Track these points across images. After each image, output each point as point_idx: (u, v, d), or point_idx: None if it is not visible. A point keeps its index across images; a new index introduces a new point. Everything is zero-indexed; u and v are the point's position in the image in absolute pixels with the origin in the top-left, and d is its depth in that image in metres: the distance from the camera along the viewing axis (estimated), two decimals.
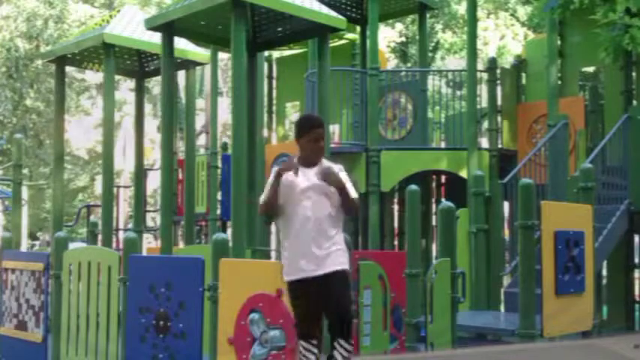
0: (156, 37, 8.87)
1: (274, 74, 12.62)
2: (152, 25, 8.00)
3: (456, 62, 22.31)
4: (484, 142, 10.68)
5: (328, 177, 4.13)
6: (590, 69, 14.03)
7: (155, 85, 24.91)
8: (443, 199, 11.12)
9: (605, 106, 9.85)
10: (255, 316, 5.23)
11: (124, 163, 27.61)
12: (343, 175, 4.24)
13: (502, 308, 8.30)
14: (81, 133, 28.88)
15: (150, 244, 20.70)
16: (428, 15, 12.10)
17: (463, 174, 9.80)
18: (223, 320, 5.30)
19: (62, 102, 9.85)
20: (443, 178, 11.87)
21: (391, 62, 22.81)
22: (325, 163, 4.29)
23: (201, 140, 24.83)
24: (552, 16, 8.94)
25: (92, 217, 12.71)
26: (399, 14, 13.80)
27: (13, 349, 6.86)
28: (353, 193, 4.23)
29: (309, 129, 4.24)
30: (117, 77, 12.70)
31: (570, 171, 8.60)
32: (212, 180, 12.11)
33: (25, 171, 23.41)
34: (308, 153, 4.25)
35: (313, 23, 7.69)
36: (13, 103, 24.15)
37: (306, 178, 4.19)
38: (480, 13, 20.04)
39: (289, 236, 4.18)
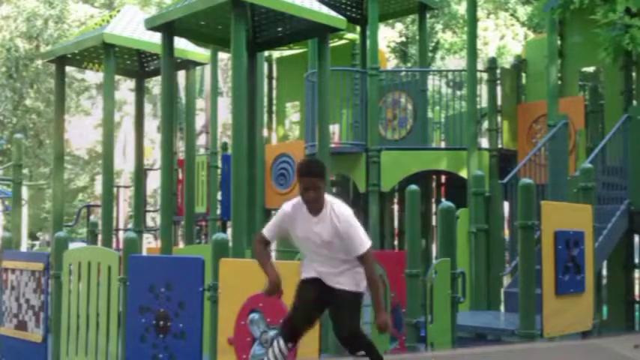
0: (156, 37, 8.87)
1: (274, 74, 12.62)
2: (152, 25, 8.00)
3: (456, 62, 22.31)
4: (484, 142, 10.68)
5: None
6: (590, 69, 14.03)
7: (155, 85, 24.90)
8: (443, 199, 11.12)
9: (605, 106, 9.85)
10: (255, 316, 5.24)
11: (124, 163, 27.61)
12: (343, 232, 4.08)
13: (502, 308, 8.30)
14: (81, 133, 28.88)
15: (150, 244, 20.70)
16: (428, 15, 12.11)
17: (463, 174, 9.80)
18: (223, 320, 5.30)
19: (62, 102, 9.84)
20: (443, 178, 11.87)
21: (391, 62, 22.81)
22: (330, 207, 4.12)
23: (201, 140, 24.83)
24: (552, 16, 8.93)
25: (92, 217, 12.71)
26: (399, 14, 13.79)
27: (13, 349, 6.86)
28: (360, 253, 4.09)
29: (299, 177, 4.11)
30: (117, 77, 12.70)
31: (570, 171, 8.60)
32: (212, 180, 12.11)
33: (25, 171, 23.41)
34: (302, 200, 4.15)
35: (313, 23, 7.69)
36: (13, 103, 24.15)
37: (311, 227, 4.11)
38: (480, 13, 20.05)
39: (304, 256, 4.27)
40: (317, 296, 4.14)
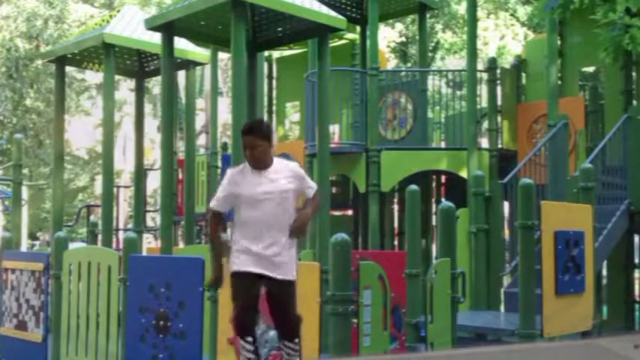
0: (156, 37, 8.86)
1: (274, 74, 12.61)
2: (152, 25, 7.99)
3: (456, 62, 22.31)
4: (484, 142, 10.68)
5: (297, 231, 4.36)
6: (590, 69, 14.03)
7: (155, 85, 24.89)
8: (443, 199, 11.12)
9: (605, 106, 9.85)
10: None
11: (124, 163, 27.60)
12: (300, 173, 4.47)
13: (502, 308, 8.30)
14: (81, 133, 28.88)
15: (150, 244, 20.69)
16: (428, 15, 12.11)
17: (463, 174, 9.80)
18: (223, 320, 5.29)
19: (62, 102, 9.83)
20: (443, 178, 11.87)
21: (391, 62, 22.80)
22: (279, 162, 4.46)
23: (201, 140, 24.83)
24: (552, 16, 8.93)
25: (92, 217, 12.71)
26: (399, 14, 13.80)
27: (13, 349, 6.86)
28: (313, 192, 4.51)
29: (242, 135, 4.40)
30: (117, 77, 12.69)
31: (570, 171, 8.60)
32: (212, 180, 12.11)
33: (25, 171, 23.39)
34: (247, 160, 4.40)
35: (313, 23, 7.68)
36: (13, 103, 24.13)
37: (262, 180, 4.33)
38: (480, 13, 20.04)
39: (246, 236, 4.32)
40: (258, 290, 4.30)
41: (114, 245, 9.71)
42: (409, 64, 22.77)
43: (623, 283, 9.64)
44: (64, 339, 6.21)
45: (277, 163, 4.43)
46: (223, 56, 16.55)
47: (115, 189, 11.09)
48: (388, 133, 10.54)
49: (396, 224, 11.81)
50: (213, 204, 4.41)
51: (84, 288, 6.06)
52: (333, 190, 11.83)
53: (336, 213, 12.06)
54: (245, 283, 4.25)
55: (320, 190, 4.53)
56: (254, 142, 4.32)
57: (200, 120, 24.42)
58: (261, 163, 4.34)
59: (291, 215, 4.36)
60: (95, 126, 27.94)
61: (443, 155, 10.25)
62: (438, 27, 23.04)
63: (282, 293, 4.30)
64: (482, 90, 10.10)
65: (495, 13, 22.18)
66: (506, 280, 8.62)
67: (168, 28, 7.89)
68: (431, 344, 6.05)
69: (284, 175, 4.37)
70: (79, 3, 25.12)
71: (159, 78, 9.33)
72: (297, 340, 4.36)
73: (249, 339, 4.24)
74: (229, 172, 4.43)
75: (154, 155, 26.07)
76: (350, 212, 12.49)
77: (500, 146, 10.06)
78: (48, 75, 23.19)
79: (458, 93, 13.87)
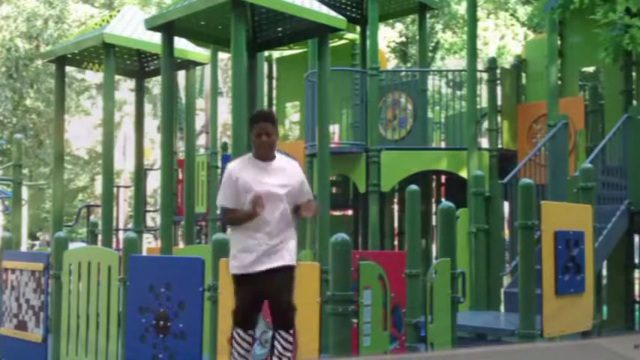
0: (156, 37, 8.87)
1: (274, 74, 12.61)
2: (152, 25, 7.99)
3: (456, 62, 22.32)
4: (484, 142, 10.68)
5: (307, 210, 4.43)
6: (590, 69, 14.03)
7: (155, 85, 24.90)
8: (443, 199, 11.12)
9: (605, 106, 9.85)
10: None
11: (124, 163, 27.61)
12: (302, 177, 4.49)
13: (502, 308, 8.30)
14: (81, 133, 28.87)
15: (150, 244, 20.69)
16: (428, 15, 12.10)
17: (463, 174, 9.80)
18: (223, 320, 5.29)
19: (62, 102, 9.83)
20: (443, 178, 11.87)
21: (391, 62, 22.80)
22: (280, 156, 4.48)
23: (201, 140, 24.83)
24: (552, 16, 8.93)
25: (92, 217, 12.71)
26: (399, 14, 13.80)
27: (13, 349, 6.86)
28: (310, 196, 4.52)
29: (253, 123, 4.37)
30: (117, 77, 12.69)
31: (570, 171, 8.60)
32: (212, 180, 12.11)
33: (25, 171, 23.39)
34: (256, 148, 4.39)
35: (313, 23, 7.68)
36: (13, 103, 24.14)
37: (265, 175, 4.33)
38: (480, 13, 20.04)
39: (247, 230, 4.32)
40: (260, 289, 4.32)
41: (114, 245, 9.71)
42: (409, 64, 22.78)
43: (623, 283, 9.63)
44: (64, 339, 6.21)
45: (280, 158, 4.44)
46: (223, 56, 16.55)
47: (115, 189, 11.10)
48: (388, 133, 10.54)
49: (396, 224, 11.81)
50: (225, 203, 4.37)
51: (84, 288, 6.06)
52: (333, 190, 11.83)
53: (336, 213, 12.06)
54: (247, 286, 4.32)
55: (318, 197, 4.68)
56: (270, 128, 4.33)
57: (200, 120, 24.43)
58: (271, 152, 4.36)
59: (289, 212, 4.40)
60: (95, 126, 27.95)
61: (443, 155, 10.25)
62: (438, 27, 23.04)
63: (280, 277, 4.30)
64: (483, 90, 10.10)
65: (495, 13, 22.18)
66: (506, 280, 8.61)
67: (169, 28, 7.89)
68: (431, 344, 6.04)
69: (288, 174, 4.39)
70: (79, 3, 25.13)
71: (159, 78, 9.33)
72: (292, 331, 4.33)
73: (250, 332, 4.33)
74: (232, 169, 4.37)
75: (154, 155, 26.07)
76: (350, 212, 12.50)
77: (500, 146, 10.06)
78: (48, 75, 23.20)
79: (458, 93, 13.87)
